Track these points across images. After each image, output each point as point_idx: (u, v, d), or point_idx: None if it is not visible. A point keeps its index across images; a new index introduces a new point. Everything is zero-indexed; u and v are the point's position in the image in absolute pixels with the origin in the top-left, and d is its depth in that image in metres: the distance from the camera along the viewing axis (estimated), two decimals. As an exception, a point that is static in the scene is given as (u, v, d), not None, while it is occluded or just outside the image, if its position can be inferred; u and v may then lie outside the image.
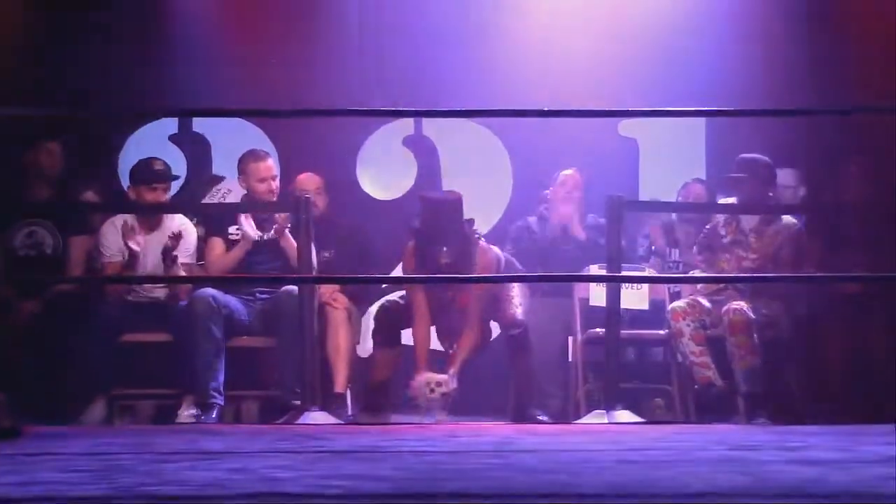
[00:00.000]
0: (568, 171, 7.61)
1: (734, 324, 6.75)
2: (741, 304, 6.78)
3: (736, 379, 6.75)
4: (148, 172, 7.11)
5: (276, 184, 7.20)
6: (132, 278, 7.03)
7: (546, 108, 6.81)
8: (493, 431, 5.83)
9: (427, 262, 6.67)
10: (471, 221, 6.78)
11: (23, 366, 6.80)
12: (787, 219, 7.05)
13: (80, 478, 3.36)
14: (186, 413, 6.82)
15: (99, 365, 6.85)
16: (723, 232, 7.07)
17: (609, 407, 6.45)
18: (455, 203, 6.74)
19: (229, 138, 8.15)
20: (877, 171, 7.24)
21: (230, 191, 7.51)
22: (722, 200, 7.42)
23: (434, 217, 6.70)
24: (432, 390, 6.65)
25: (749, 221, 7.01)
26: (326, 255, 7.18)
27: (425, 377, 6.67)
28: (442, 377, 6.69)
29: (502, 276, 6.84)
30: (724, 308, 6.81)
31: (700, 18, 8.29)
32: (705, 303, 6.94)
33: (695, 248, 7.21)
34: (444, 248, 6.64)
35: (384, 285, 7.37)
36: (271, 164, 7.26)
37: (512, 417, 6.93)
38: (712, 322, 6.87)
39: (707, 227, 7.14)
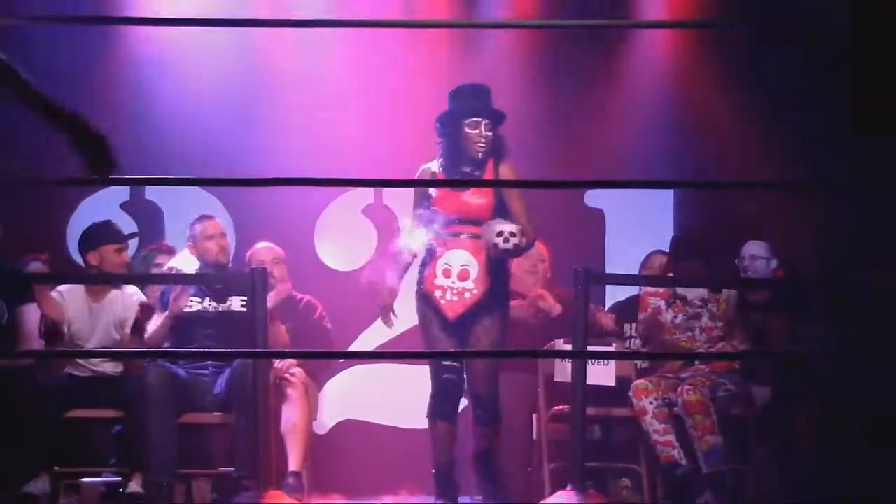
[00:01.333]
0: (532, 243, 7.45)
1: (688, 403, 6.69)
2: (695, 383, 6.71)
3: (698, 459, 6.63)
4: (111, 232, 6.94)
5: (225, 242, 7.11)
6: (71, 353, 6.81)
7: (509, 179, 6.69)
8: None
9: None
10: None
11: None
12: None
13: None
14: (134, 491, 6.54)
15: (41, 442, 6.56)
16: (670, 314, 6.93)
17: (575, 487, 6.26)
18: None
19: (183, 207, 7.95)
20: (829, 242, 7.21)
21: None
22: None
23: None
24: (506, 240, 6.12)
25: (697, 292, 6.92)
26: (284, 328, 6.98)
27: (496, 222, 6.13)
28: (515, 226, 6.14)
29: (469, 352, 6.55)
30: (679, 388, 6.72)
31: (669, 89, 8.33)
32: (671, 379, 6.80)
33: (638, 340, 7.07)
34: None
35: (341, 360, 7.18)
36: (218, 223, 7.15)
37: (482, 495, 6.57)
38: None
39: (642, 315, 7.00)
